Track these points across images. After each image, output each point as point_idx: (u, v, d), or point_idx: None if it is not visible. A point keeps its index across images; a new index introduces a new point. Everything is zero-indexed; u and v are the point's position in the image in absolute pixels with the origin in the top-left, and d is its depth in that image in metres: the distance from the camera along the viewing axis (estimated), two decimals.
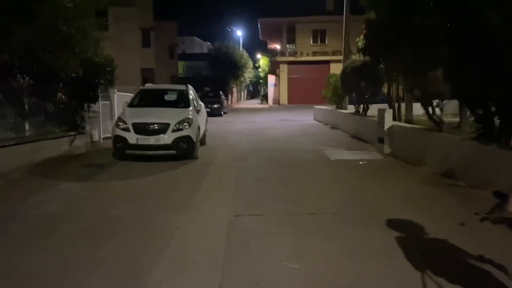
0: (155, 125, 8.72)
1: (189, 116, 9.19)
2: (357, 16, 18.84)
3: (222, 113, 26.23)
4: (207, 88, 29.66)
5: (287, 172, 7.86)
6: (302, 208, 5.27)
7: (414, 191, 6.16)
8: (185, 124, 8.93)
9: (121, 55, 26.72)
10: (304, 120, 20.76)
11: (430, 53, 7.34)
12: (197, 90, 13.67)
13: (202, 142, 10.94)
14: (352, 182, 6.85)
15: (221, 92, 29.53)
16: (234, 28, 54.89)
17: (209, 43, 57.51)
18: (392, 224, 4.55)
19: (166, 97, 10.99)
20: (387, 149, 9.49)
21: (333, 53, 35.43)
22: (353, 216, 4.91)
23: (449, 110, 19.10)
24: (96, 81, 10.07)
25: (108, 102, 12.45)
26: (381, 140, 9.72)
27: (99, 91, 10.75)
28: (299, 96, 36.22)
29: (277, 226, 4.61)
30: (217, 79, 40.50)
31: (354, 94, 13.78)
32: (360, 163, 8.50)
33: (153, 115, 9.04)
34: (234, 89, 50.92)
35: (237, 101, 54.67)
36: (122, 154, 8.80)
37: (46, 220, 4.88)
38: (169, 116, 9.01)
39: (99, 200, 5.93)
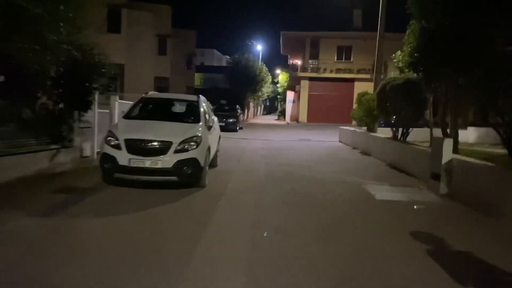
0: (154, 143, 6.87)
1: (197, 134, 7.33)
2: (389, 34, 17.24)
3: (238, 128, 24.39)
4: (223, 101, 27.89)
5: (320, 216, 5.90)
6: None
7: None
8: (192, 143, 7.07)
9: (134, 61, 25.45)
10: (328, 141, 18.73)
11: None
12: (212, 102, 11.97)
13: (213, 163, 9.14)
14: (418, 242, 4.83)
15: (237, 106, 27.70)
16: (254, 42, 53.52)
17: (228, 57, 56.16)
18: None
19: (173, 109, 9.24)
20: (443, 188, 7.47)
21: (358, 71, 33.64)
22: None
23: (482, 139, 17.03)
24: (88, 84, 8.28)
25: (108, 111, 10.75)
26: (436, 177, 7.70)
27: (94, 97, 9.05)
28: (319, 114, 34.25)
29: None
30: (234, 92, 38.78)
31: (393, 116, 11.78)
32: (415, 207, 6.50)
33: (153, 130, 7.20)
34: (251, 103, 49.18)
35: (254, 115, 52.92)
36: (110, 178, 6.98)
37: None
38: (173, 132, 7.18)
39: (56, 252, 4.05)
